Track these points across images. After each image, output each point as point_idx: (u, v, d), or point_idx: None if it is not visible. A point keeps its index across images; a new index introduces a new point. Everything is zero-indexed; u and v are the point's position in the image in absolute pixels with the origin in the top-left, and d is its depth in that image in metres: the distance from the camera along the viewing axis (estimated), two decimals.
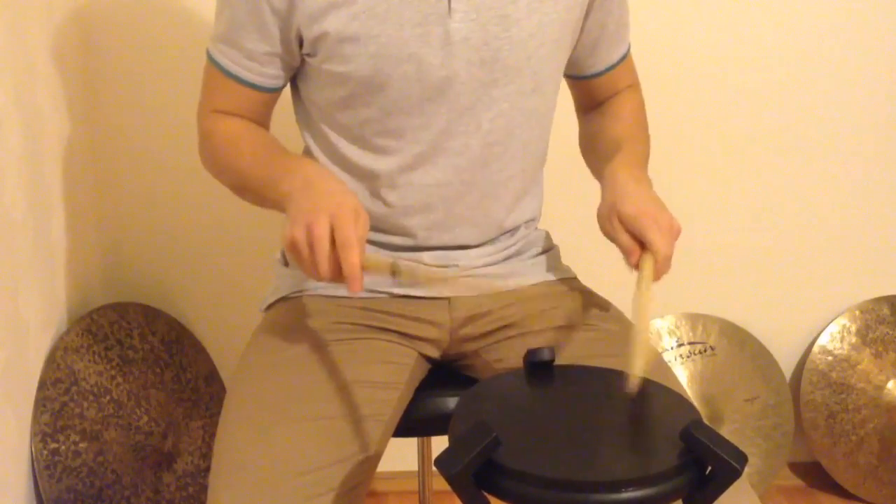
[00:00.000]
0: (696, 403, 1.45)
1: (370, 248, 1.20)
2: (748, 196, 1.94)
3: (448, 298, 1.21)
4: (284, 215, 1.05)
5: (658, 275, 1.04)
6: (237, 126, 1.20)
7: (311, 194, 1.01)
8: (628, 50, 1.30)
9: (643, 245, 1.05)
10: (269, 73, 1.16)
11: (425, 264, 1.21)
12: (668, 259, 1.04)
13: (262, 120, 1.22)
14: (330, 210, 0.96)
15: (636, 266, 1.05)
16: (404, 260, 1.20)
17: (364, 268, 0.95)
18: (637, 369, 0.92)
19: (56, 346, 1.52)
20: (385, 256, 1.02)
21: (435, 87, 1.11)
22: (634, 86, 1.34)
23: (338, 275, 0.96)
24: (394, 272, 0.98)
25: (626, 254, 1.07)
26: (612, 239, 1.09)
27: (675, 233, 1.06)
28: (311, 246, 0.96)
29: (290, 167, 1.10)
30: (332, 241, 0.95)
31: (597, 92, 1.32)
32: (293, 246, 0.98)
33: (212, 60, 1.18)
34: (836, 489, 2.01)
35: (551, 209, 1.35)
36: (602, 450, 0.85)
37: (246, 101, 1.19)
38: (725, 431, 1.92)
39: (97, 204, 1.78)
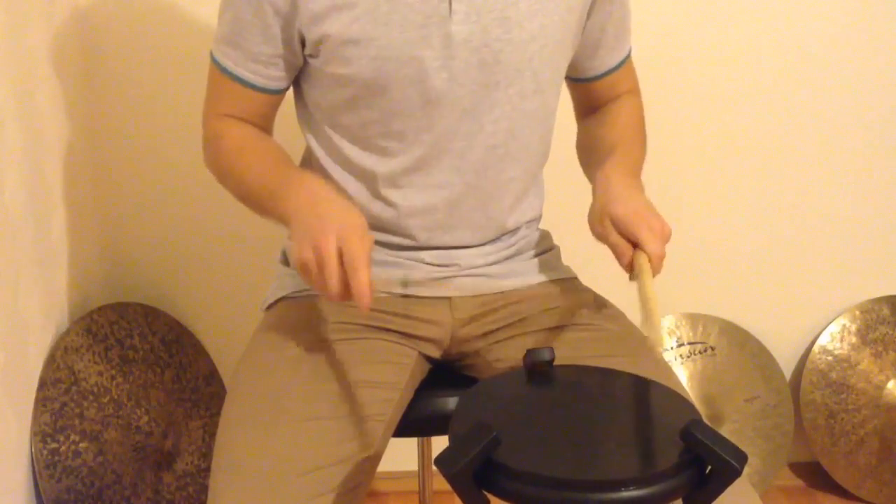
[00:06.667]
0: (696, 403, 1.45)
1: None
2: (748, 196, 1.94)
3: (449, 298, 1.21)
4: (287, 228, 1.06)
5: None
6: (243, 133, 1.19)
7: (316, 212, 1.02)
8: (629, 54, 1.30)
9: (635, 245, 1.05)
10: (273, 74, 1.16)
11: (426, 263, 1.21)
12: (661, 259, 1.04)
13: (265, 123, 1.22)
14: (336, 230, 0.98)
15: (628, 267, 1.05)
16: (405, 259, 1.21)
17: (373, 287, 0.98)
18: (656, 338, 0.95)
19: (56, 346, 1.52)
20: (393, 278, 1.05)
21: (436, 90, 1.11)
22: (634, 91, 1.33)
23: (347, 293, 0.97)
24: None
25: (619, 255, 1.07)
26: (603, 240, 1.09)
27: (665, 235, 1.05)
28: (320, 266, 0.97)
29: (295, 182, 1.10)
30: (340, 259, 0.97)
31: (596, 95, 1.31)
32: (303, 267, 0.99)
33: (215, 62, 1.18)
34: (836, 489, 2.01)
35: (551, 209, 1.35)
36: (602, 449, 0.85)
37: (249, 103, 1.19)
38: (725, 431, 1.92)
39: (97, 204, 1.78)
